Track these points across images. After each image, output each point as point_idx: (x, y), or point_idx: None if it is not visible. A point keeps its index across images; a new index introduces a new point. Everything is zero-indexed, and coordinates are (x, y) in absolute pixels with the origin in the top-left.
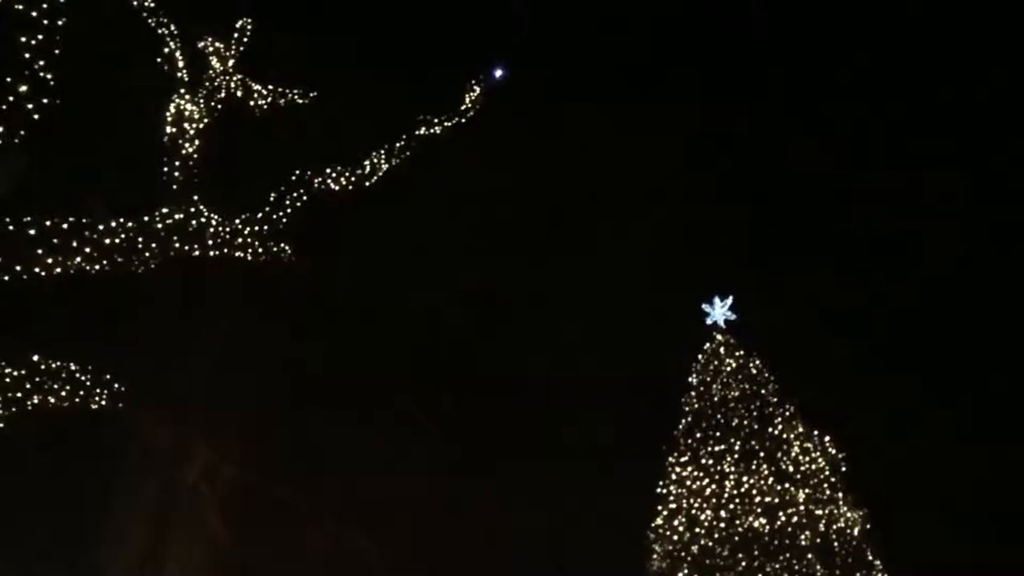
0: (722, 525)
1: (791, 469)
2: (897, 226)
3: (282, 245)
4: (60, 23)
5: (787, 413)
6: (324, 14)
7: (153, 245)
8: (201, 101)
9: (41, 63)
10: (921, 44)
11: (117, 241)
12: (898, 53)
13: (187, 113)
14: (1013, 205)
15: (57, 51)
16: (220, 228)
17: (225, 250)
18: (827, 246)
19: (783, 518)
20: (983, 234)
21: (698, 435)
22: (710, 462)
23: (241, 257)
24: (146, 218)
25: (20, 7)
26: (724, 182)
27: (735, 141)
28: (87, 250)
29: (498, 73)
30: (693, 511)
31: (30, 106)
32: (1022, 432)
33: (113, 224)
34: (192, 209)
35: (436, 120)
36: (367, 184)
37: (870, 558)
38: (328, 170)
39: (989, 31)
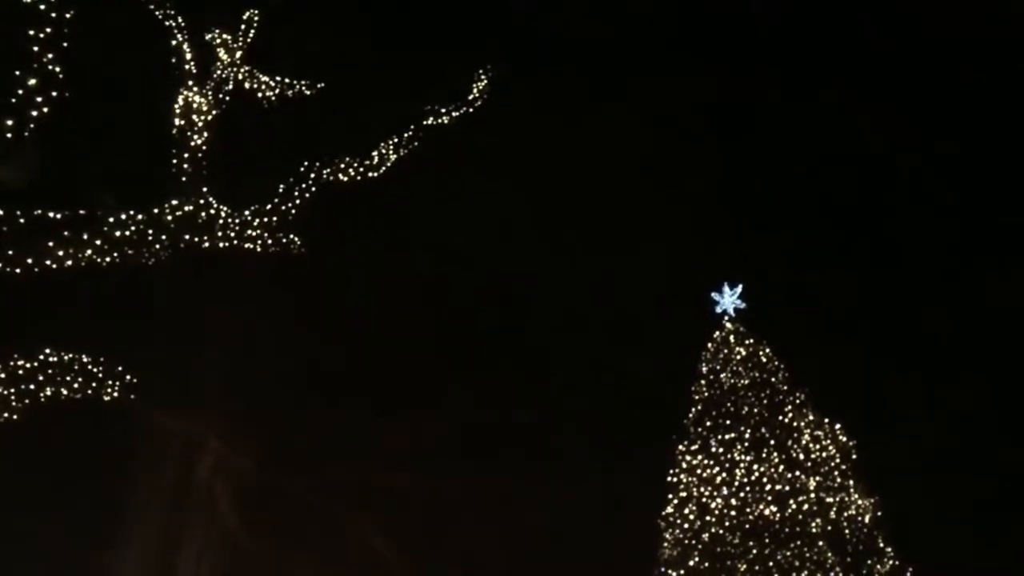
0: (733, 513)
1: (802, 457)
2: (908, 213)
3: (292, 236)
4: (68, 16)
5: (797, 401)
6: (332, 3)
7: (163, 237)
8: (209, 93)
9: (50, 56)
10: (934, 37)
11: (127, 233)
12: (910, 44)
13: (195, 105)
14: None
15: (65, 44)
16: (230, 220)
17: (235, 242)
18: (837, 233)
19: (794, 506)
20: (993, 225)
21: (708, 423)
22: (720, 450)
23: (251, 249)
24: (156, 210)
25: (28, 0)
26: (732, 170)
27: (746, 129)
28: (97, 242)
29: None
30: (704, 499)
31: (39, 99)
32: None
33: (123, 216)
34: (201, 201)
35: (444, 110)
36: (376, 175)
37: (881, 545)
38: (336, 160)
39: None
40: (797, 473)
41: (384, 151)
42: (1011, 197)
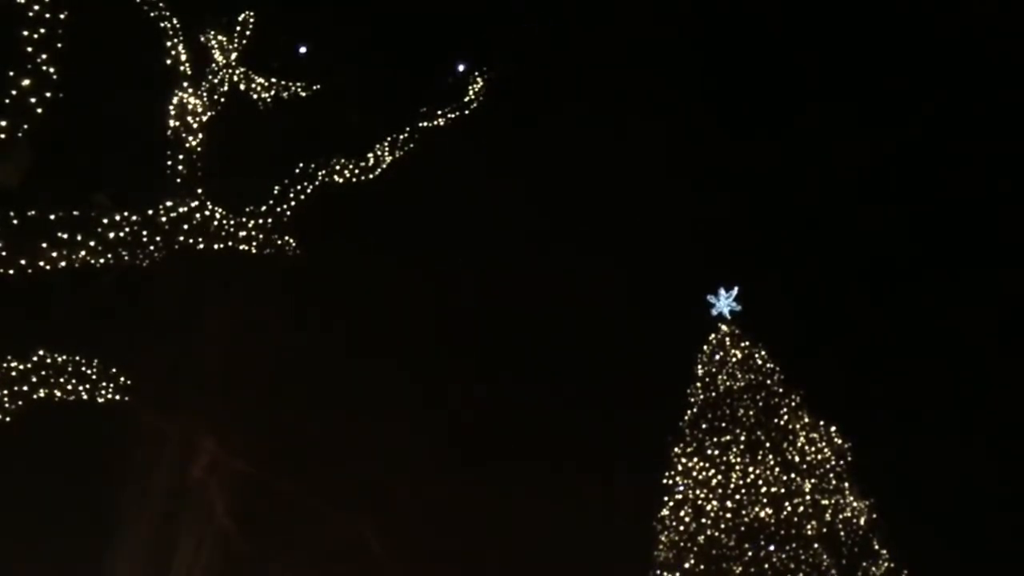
0: (728, 515)
1: (797, 459)
2: (903, 217)
3: (286, 238)
4: (62, 17)
5: (793, 403)
6: (328, 4)
7: (157, 239)
8: (204, 94)
9: (44, 57)
10: (935, 40)
11: (121, 235)
12: (911, 47)
13: (190, 107)
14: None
15: (60, 45)
16: (224, 221)
17: (229, 243)
18: (833, 236)
19: (789, 508)
20: (988, 229)
21: (704, 426)
22: (716, 452)
23: (246, 250)
24: (150, 212)
25: (23, 1)
26: (727, 173)
27: (741, 132)
28: (91, 244)
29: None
30: (699, 501)
31: (34, 100)
32: None
33: (117, 218)
34: (196, 203)
35: (439, 112)
36: (371, 176)
37: (876, 547)
38: (332, 162)
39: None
40: (792, 475)
41: (379, 153)
42: (1005, 203)
